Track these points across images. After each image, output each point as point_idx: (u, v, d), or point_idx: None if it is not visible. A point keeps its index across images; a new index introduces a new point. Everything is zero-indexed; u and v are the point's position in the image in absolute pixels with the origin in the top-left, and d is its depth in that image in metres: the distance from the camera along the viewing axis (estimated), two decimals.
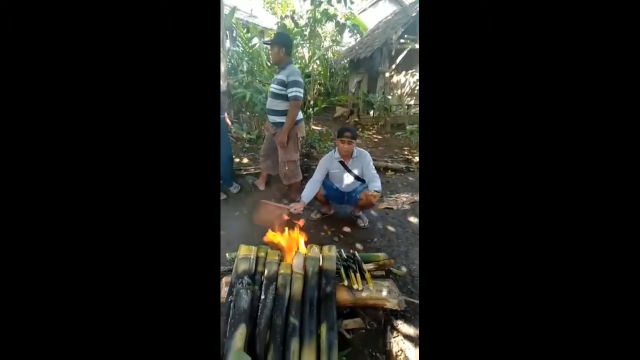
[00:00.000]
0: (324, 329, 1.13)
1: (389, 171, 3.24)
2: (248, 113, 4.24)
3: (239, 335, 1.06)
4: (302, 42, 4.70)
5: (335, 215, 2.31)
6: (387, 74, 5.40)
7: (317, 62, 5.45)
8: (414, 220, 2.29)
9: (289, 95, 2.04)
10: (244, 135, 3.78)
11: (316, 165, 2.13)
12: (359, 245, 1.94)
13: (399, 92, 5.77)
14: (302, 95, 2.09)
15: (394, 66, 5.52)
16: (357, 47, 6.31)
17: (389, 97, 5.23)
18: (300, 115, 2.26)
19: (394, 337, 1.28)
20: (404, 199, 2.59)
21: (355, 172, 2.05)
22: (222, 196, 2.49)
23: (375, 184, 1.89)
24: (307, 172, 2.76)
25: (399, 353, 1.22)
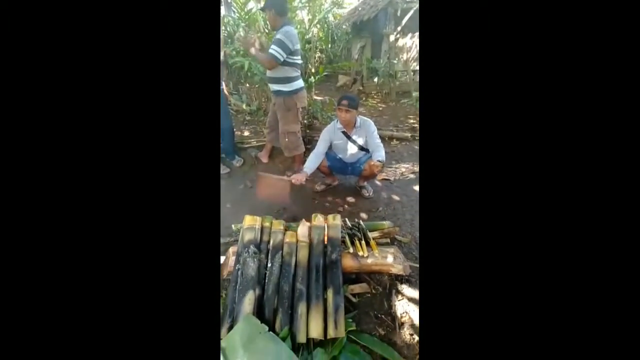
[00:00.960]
0: (330, 293, 1.16)
1: (394, 140, 3.16)
2: (247, 84, 4.09)
3: (248, 301, 1.09)
4: (300, 4, 4.40)
5: (339, 186, 2.30)
6: (392, 37, 5.09)
7: (318, 26, 5.13)
8: (418, 189, 2.27)
9: (269, 50, 1.90)
10: (244, 107, 3.69)
11: (319, 137, 2.08)
12: (363, 215, 1.95)
13: (405, 56, 5.47)
14: (279, 57, 1.89)
15: (399, 28, 5.18)
16: (359, 8, 5.90)
17: (394, 61, 4.97)
18: (301, 83, 2.16)
19: (398, 300, 1.32)
20: (404, 169, 2.56)
21: (359, 141, 1.99)
22: (225, 170, 2.48)
23: (379, 153, 1.84)
24: (310, 143, 2.71)
25: (403, 315, 1.26)
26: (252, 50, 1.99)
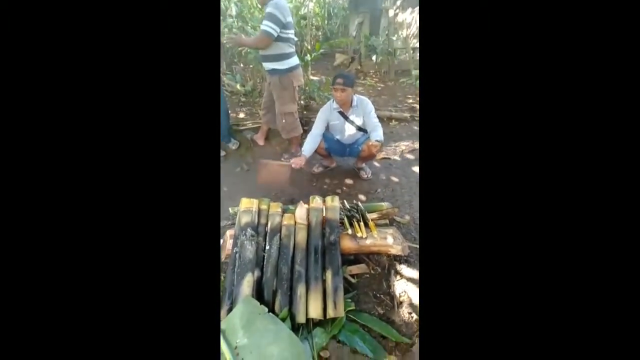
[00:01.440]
0: (329, 274, 1.16)
1: (393, 121, 3.09)
2: (241, 64, 3.94)
3: (246, 283, 1.09)
4: None
5: (337, 168, 2.27)
6: (392, 12, 4.86)
7: (313, 0, 4.89)
8: (417, 170, 2.25)
9: (261, 27, 1.82)
10: (238, 88, 3.57)
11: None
12: (362, 197, 1.93)
13: (405, 33, 5.26)
14: (273, 32, 1.80)
15: (399, 2, 4.94)
16: None
17: (394, 38, 4.79)
18: (296, 60, 2.07)
19: (397, 280, 1.33)
20: (403, 147, 2.52)
21: (357, 122, 1.93)
22: (221, 153, 2.43)
23: (377, 133, 1.80)
24: (307, 125, 2.64)
25: (402, 294, 1.27)
26: (243, 40, 1.96)
